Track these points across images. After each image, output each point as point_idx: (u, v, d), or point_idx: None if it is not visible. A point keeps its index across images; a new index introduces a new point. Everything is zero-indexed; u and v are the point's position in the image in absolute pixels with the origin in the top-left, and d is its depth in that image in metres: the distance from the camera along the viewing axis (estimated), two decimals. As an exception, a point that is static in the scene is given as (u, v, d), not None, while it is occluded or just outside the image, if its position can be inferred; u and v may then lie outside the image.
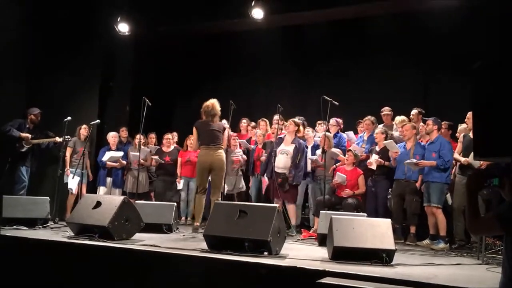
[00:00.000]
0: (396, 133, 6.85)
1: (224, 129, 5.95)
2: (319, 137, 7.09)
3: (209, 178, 6.01)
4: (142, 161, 7.49)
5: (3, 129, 6.87)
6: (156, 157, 7.66)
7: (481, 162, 5.25)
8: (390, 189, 6.40)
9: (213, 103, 5.94)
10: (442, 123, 6.29)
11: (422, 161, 5.87)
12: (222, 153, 5.86)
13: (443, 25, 7.45)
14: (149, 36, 8.90)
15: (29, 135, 6.97)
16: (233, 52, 9.49)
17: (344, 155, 6.72)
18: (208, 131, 5.85)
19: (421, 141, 6.31)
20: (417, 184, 6.07)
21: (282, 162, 6.50)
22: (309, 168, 6.83)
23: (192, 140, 7.74)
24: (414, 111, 6.90)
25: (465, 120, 5.91)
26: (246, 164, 7.44)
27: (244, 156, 7.37)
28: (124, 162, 7.76)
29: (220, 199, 5.84)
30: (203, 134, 5.89)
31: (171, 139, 7.92)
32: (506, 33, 6.50)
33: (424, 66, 8.27)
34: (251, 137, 7.89)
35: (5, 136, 6.86)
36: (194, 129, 5.98)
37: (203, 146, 5.88)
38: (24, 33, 7.98)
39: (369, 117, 7.02)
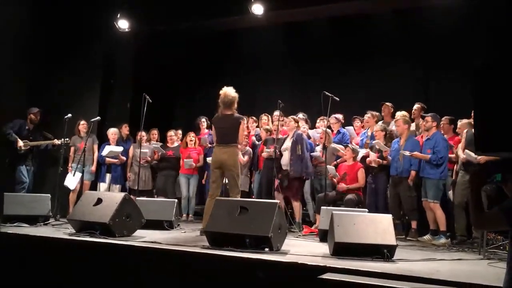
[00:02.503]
0: (395, 128, 6.83)
1: (239, 123, 5.54)
2: (318, 133, 7.08)
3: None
4: (148, 158, 7.51)
5: (4, 131, 6.88)
6: (158, 145, 7.68)
7: (478, 158, 5.26)
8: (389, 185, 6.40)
9: (224, 91, 5.57)
10: (443, 118, 6.28)
11: (416, 152, 5.90)
12: (232, 150, 5.46)
13: (444, 22, 7.43)
14: (149, 34, 8.90)
15: (22, 145, 6.93)
16: (234, 50, 9.48)
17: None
18: (221, 129, 5.57)
19: (422, 136, 6.30)
20: (409, 180, 6.06)
21: (285, 159, 6.52)
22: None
23: (192, 137, 7.81)
24: (416, 106, 6.89)
25: (471, 115, 5.87)
26: (250, 160, 7.42)
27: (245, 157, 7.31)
28: (124, 158, 7.76)
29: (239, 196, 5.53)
30: (216, 131, 5.63)
31: (174, 136, 7.96)
32: (506, 31, 6.49)
33: (425, 64, 8.24)
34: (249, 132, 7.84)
35: (5, 138, 6.88)
36: (212, 125, 5.76)
37: (216, 144, 5.61)
38: (25, 32, 7.96)
39: (370, 112, 7.01)
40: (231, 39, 9.34)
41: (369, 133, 7.01)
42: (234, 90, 5.59)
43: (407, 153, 5.90)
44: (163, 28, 8.79)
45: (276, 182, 6.55)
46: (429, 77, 8.25)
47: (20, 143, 6.81)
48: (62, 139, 6.99)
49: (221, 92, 5.61)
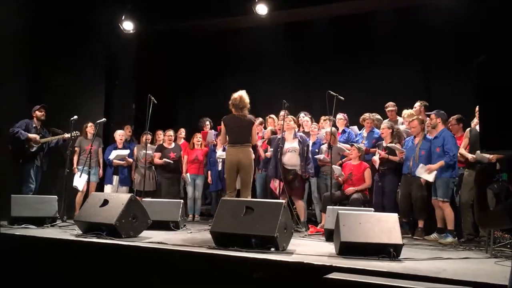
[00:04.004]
0: (402, 127, 6.81)
1: (253, 124, 5.68)
2: (323, 133, 7.07)
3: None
4: (149, 158, 7.52)
5: (11, 131, 6.88)
6: (163, 160, 7.61)
7: (490, 156, 5.20)
8: (398, 183, 6.35)
9: (241, 95, 5.68)
10: (451, 118, 6.23)
11: (430, 165, 5.79)
12: (249, 151, 5.63)
13: (445, 20, 7.41)
14: (153, 34, 8.92)
15: (37, 136, 6.97)
16: (237, 49, 9.52)
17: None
18: (235, 129, 5.62)
19: (429, 135, 6.26)
20: (422, 180, 6.03)
21: (291, 159, 6.44)
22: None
23: (199, 138, 7.82)
24: (417, 104, 6.86)
25: (476, 113, 5.83)
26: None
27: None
28: (131, 160, 7.78)
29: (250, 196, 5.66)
30: (230, 131, 5.66)
31: (172, 136, 7.89)
32: (508, 27, 6.45)
33: (426, 62, 8.23)
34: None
35: (13, 138, 6.89)
36: (222, 125, 5.79)
37: (230, 144, 5.66)
38: (28, 33, 7.99)
39: (372, 115, 7.04)
40: (233, 39, 9.37)
41: (365, 134, 7.04)
42: (247, 96, 5.70)
43: (422, 167, 5.81)
44: (166, 28, 8.81)
45: (279, 183, 6.52)
46: (431, 76, 8.23)
47: (32, 135, 6.80)
48: (72, 133, 6.99)
49: (236, 95, 5.68)
